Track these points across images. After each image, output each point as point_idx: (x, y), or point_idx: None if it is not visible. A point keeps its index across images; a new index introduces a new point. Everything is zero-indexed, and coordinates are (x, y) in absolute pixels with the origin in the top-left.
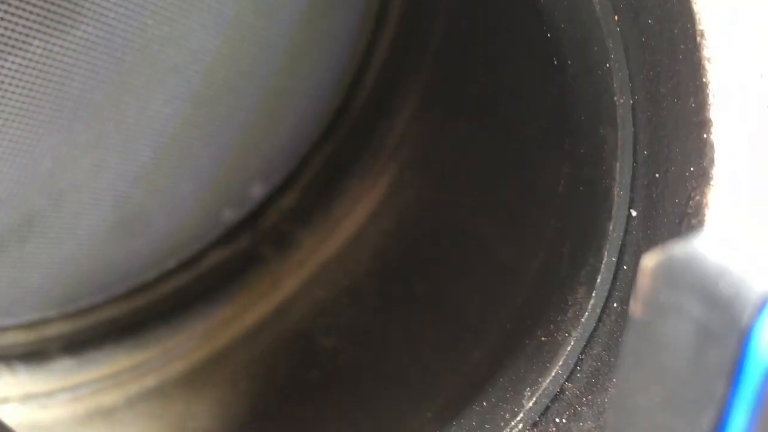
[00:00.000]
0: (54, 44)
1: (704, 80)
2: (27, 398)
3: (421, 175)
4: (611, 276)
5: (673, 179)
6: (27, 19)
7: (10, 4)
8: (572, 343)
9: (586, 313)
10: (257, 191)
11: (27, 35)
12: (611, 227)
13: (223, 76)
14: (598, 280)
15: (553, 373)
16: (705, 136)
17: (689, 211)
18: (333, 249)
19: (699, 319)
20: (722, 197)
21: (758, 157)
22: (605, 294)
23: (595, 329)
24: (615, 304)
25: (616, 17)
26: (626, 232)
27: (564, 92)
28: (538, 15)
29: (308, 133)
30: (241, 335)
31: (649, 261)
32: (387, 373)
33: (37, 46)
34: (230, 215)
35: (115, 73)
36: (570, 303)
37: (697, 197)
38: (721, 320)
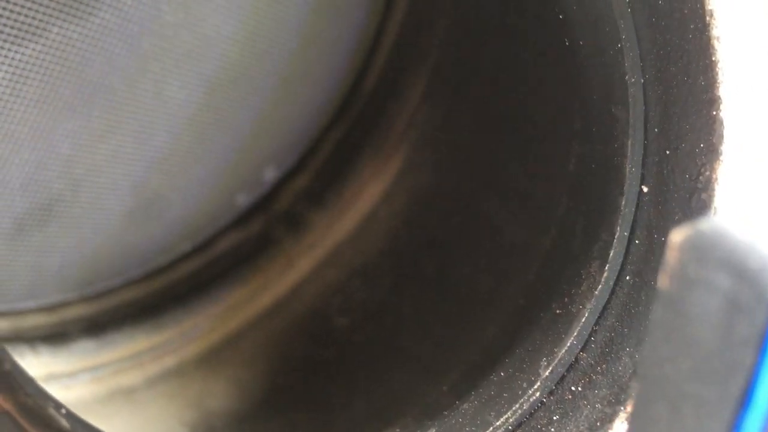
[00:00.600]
0: (72, 31)
1: (713, 59)
2: (50, 378)
3: (432, 156)
4: (624, 250)
5: (684, 155)
6: (47, 7)
7: None
8: (586, 315)
9: (600, 286)
10: (270, 174)
11: (46, 23)
12: (623, 203)
13: (237, 61)
14: (611, 255)
15: (568, 344)
16: (714, 113)
17: (699, 186)
18: (345, 230)
19: (727, 292)
20: (732, 172)
21: (767, 134)
22: (618, 267)
23: (608, 301)
24: (628, 277)
25: None
26: (638, 207)
27: (576, 72)
28: None
29: (320, 116)
30: (256, 316)
31: (677, 236)
32: (401, 350)
33: (56, 33)
34: (243, 198)
35: (132, 59)
36: (584, 276)
37: (707, 173)
38: (750, 293)
